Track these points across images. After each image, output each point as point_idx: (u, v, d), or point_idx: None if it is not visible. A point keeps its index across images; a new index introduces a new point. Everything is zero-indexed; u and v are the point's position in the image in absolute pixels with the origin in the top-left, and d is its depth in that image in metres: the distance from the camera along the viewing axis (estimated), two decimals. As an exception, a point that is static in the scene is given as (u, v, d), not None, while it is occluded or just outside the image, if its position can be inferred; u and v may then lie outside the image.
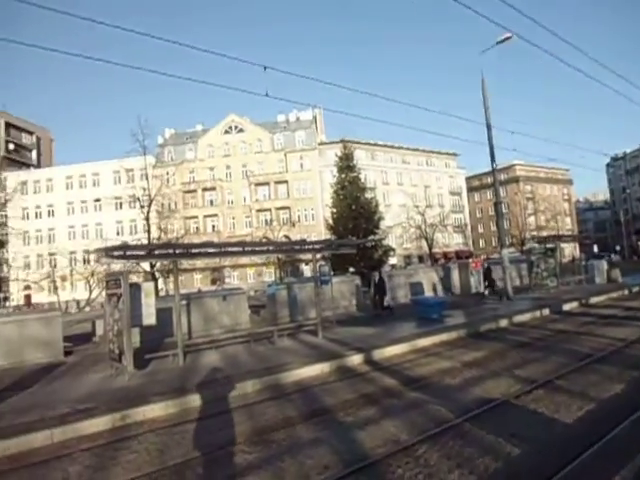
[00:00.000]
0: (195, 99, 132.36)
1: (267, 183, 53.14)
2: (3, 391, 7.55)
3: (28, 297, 56.02)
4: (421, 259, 52.66)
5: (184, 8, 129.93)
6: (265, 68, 6.99)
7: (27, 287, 55.58)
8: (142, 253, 9.01)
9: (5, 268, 57.96)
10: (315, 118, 56.74)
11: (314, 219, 51.34)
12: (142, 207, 22.23)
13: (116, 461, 4.57)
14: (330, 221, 32.87)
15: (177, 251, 9.57)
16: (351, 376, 7.47)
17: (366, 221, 30.02)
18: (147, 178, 22.95)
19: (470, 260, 24.78)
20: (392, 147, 58.33)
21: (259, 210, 52.66)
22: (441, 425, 4.71)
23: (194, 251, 9.73)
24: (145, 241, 20.90)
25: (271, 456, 4.37)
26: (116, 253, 8.46)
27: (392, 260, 41.63)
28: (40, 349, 10.92)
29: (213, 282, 50.24)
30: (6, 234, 56.52)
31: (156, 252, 9.15)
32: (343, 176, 32.49)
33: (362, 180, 33.26)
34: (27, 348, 10.79)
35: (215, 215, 53.81)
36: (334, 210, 32.46)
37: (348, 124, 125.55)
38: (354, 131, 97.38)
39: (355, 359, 8.49)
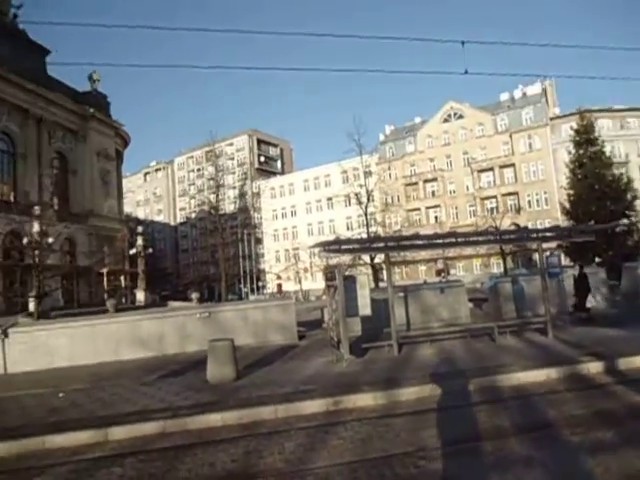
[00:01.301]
0: (411, 91, 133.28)
1: (491, 169, 49.86)
2: (248, 367, 8.87)
3: (279, 286, 65.46)
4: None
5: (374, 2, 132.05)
6: (463, 43, 6.44)
7: (278, 277, 65.08)
8: (355, 247, 9.41)
9: (262, 261, 68.99)
10: (545, 91, 50.54)
11: (547, 204, 45.94)
12: (360, 203, 23.49)
13: (324, 444, 4.84)
14: (566, 205, 28.82)
15: (388, 244, 9.69)
16: (584, 387, 6.30)
17: (613, 202, 25.29)
18: (364, 175, 24.15)
19: None
20: (651, 109, 47.64)
21: (483, 198, 49.84)
22: None
23: (404, 243, 9.69)
24: (365, 235, 22.03)
25: (472, 470, 3.97)
26: (331, 248, 9.04)
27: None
28: (279, 332, 12.53)
29: (438, 273, 49.82)
30: (261, 233, 67.46)
31: (367, 245, 9.44)
32: (581, 152, 28.06)
33: (607, 154, 28.12)
34: (269, 330, 12.51)
35: (437, 206, 53.23)
36: (571, 192, 28.34)
37: (587, 90, 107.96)
38: (595, 98, 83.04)
39: (592, 366, 7.14)
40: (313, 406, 6.18)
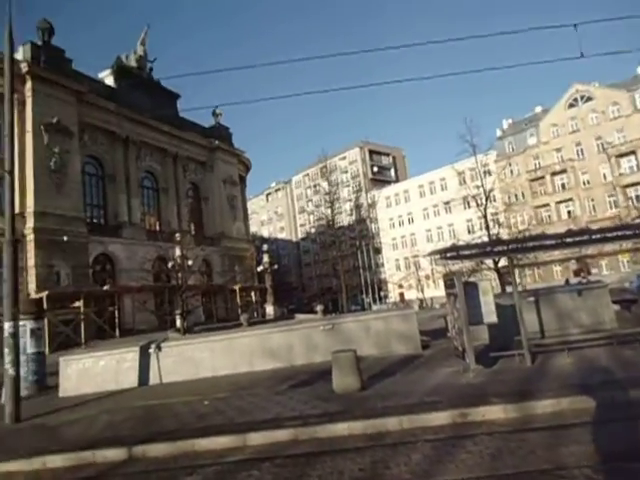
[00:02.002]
0: (529, 81, 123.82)
1: (632, 152, 44.16)
2: (373, 377, 8.97)
3: (401, 295, 64.74)
4: None
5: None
6: (576, 26, 5.90)
7: (400, 286, 64.43)
8: (475, 252, 9.06)
9: (382, 271, 68.94)
10: (696, 54, 43.59)
11: None
12: (479, 205, 22.37)
13: (451, 458, 4.74)
14: None
15: (511, 246, 9.15)
16: None
17: None
18: (481, 175, 22.99)
19: None
20: None
21: (625, 186, 44.27)
22: None
23: (530, 244, 9.07)
24: (485, 238, 20.90)
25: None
26: (449, 255, 8.82)
27: None
28: (402, 342, 12.44)
29: (576, 274, 45.05)
30: (379, 242, 67.57)
31: (488, 249, 9.03)
32: None
33: None
34: (392, 341, 12.48)
35: (569, 200, 48.56)
36: None
37: None
38: None
39: None
40: (439, 418, 6.07)
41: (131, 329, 31.28)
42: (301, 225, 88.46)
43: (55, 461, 6.10)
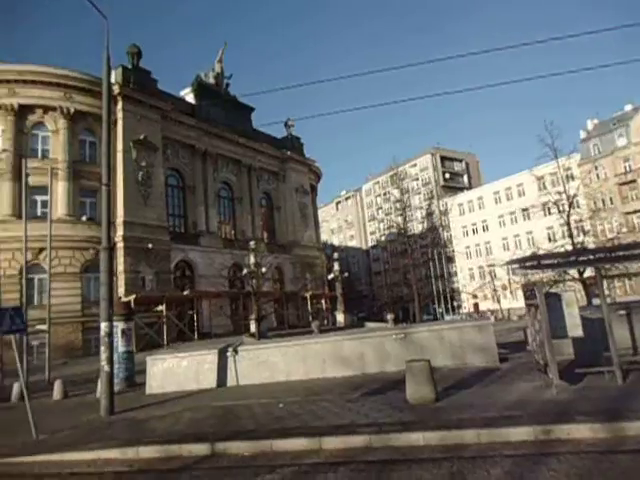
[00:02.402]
0: (617, 78, 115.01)
1: None
2: (447, 388, 8.79)
3: (476, 305, 62.40)
4: None
5: None
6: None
7: (474, 296, 62.15)
8: (557, 261, 8.62)
9: (455, 280, 66.91)
10: None
11: None
12: (561, 212, 21.09)
13: (534, 475, 4.56)
14: None
15: (598, 256, 8.61)
16: None
17: None
18: (564, 180, 21.69)
19: None
20: None
21: None
22: None
23: (620, 254, 8.48)
24: (569, 247, 19.64)
25: None
26: (529, 264, 8.47)
27: None
28: (478, 354, 12.03)
29: (674, 286, 41.07)
30: (452, 251, 65.69)
31: (572, 259, 8.55)
32: None
33: None
34: (467, 352, 12.12)
35: (665, 205, 44.47)
36: None
37: None
38: None
39: None
40: (520, 433, 5.83)
41: (208, 332, 32.81)
42: (371, 233, 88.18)
43: (147, 452, 6.60)
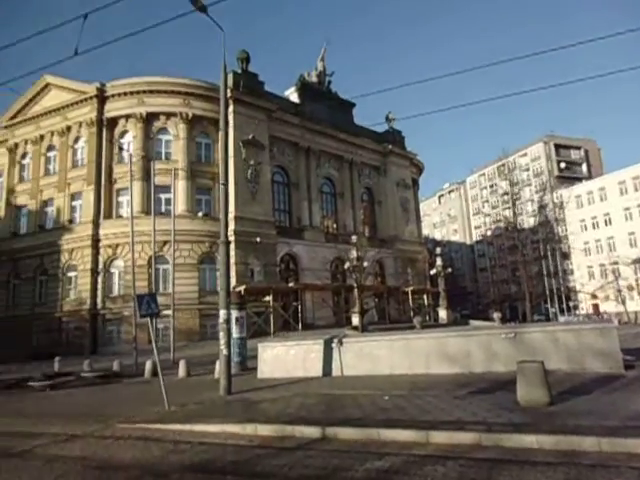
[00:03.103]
0: None
1: None
2: (562, 393, 8.32)
3: (596, 306, 57.03)
4: None
5: None
6: None
7: (594, 296, 56.80)
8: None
9: (571, 279, 61.67)
10: None
11: None
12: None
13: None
14: None
15: None
16: None
17: None
18: None
19: None
20: None
21: None
22: None
23: None
24: None
25: None
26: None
27: None
28: (598, 359, 11.13)
29: None
30: (568, 247, 60.52)
31: None
32: None
33: None
34: (585, 356, 11.27)
35: None
36: None
37: None
38: None
39: None
40: (646, 445, 5.40)
41: (311, 324, 34.01)
42: (476, 227, 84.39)
43: (264, 430, 7.20)
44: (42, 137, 37.97)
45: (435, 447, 5.94)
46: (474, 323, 27.19)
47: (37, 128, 38.09)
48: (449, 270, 39.77)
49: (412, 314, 36.53)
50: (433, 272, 37.96)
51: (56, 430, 8.53)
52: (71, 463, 6.40)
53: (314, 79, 46.47)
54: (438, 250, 41.30)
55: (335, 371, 12.86)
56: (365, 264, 28.88)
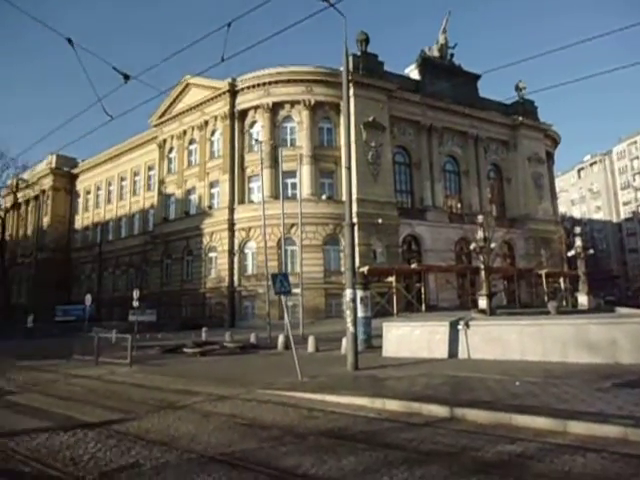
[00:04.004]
0: None
1: None
2: None
3: None
4: None
5: None
6: None
7: None
8: None
9: None
10: None
11: None
12: None
13: None
14: None
15: None
16: None
17: None
18: None
19: None
20: None
21: None
22: None
23: None
24: None
25: None
26: None
27: None
28: None
29: None
30: None
31: None
32: None
33: None
34: None
35: None
36: None
37: None
38: None
39: None
40: None
41: (435, 305, 33.47)
42: (624, 204, 74.77)
43: (392, 405, 7.48)
44: (185, 132, 42.29)
45: (574, 437, 5.66)
46: (621, 310, 24.32)
47: (180, 124, 42.49)
48: (591, 251, 35.93)
49: (546, 299, 33.89)
50: (571, 253, 34.62)
51: (209, 390, 9.78)
52: (223, 419, 7.35)
53: (435, 53, 44.65)
54: (577, 229, 37.46)
55: (461, 354, 12.66)
56: (492, 245, 27.40)
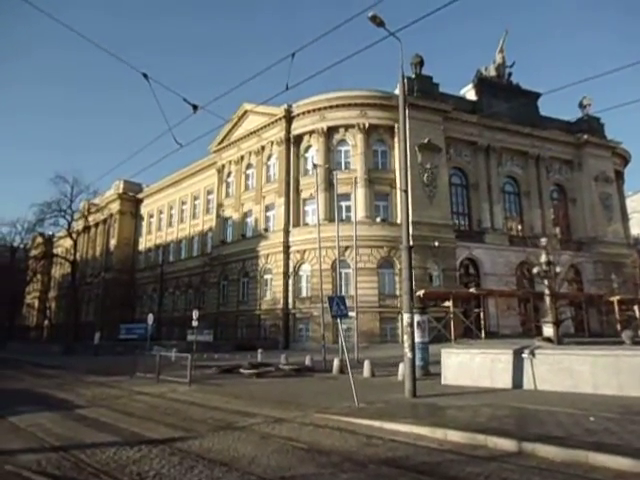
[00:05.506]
0: None
1: None
2: None
3: None
4: None
5: None
6: None
7: None
8: None
9: None
10: None
11: None
12: None
13: None
14: None
15: None
16: None
17: None
18: None
19: None
20: None
21: None
22: None
23: None
24: None
25: None
26: None
27: None
28: None
29: None
30: None
31: None
32: None
33: None
34: None
35: None
36: None
37: None
38: None
39: None
40: None
41: (495, 332, 32.02)
42: None
43: (454, 436, 7.15)
44: (242, 157, 43.78)
45: (661, 481, 5.17)
46: None
47: (238, 150, 44.06)
48: (670, 276, 33.29)
49: (619, 328, 31.56)
50: (650, 279, 32.25)
51: (265, 412, 9.81)
52: (281, 441, 7.32)
53: (492, 73, 43.87)
54: (657, 253, 34.92)
55: (526, 384, 11.97)
56: (558, 269, 25.97)
